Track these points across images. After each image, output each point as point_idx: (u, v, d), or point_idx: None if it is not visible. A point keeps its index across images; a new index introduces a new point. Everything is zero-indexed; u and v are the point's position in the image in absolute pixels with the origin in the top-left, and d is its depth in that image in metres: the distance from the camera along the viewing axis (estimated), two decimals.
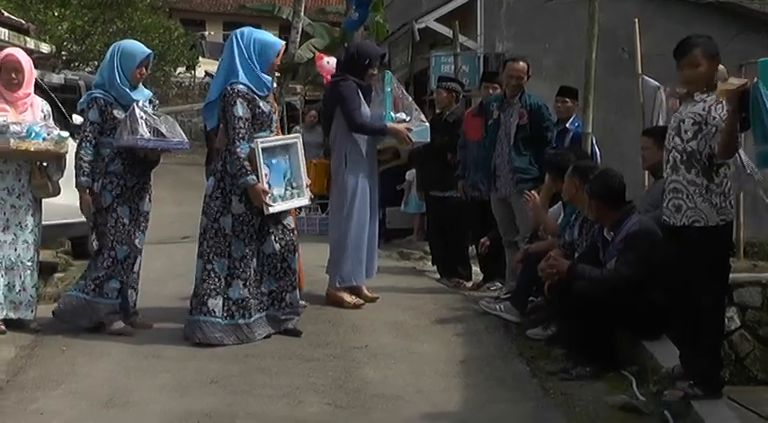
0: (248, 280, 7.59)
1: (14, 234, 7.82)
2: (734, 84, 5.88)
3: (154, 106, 8.01)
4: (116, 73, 7.86)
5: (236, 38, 7.78)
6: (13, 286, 7.83)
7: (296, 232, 8.01)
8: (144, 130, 7.64)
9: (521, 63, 9.78)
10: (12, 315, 7.84)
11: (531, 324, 8.42)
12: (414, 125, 9.11)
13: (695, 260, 6.17)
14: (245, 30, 7.91)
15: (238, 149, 7.51)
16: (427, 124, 9.33)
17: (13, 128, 7.65)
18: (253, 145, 7.55)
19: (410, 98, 9.52)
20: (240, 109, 7.54)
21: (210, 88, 8.24)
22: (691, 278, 6.17)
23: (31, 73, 8.04)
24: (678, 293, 6.31)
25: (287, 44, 13.63)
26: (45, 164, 7.96)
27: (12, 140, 7.61)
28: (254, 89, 7.66)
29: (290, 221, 7.94)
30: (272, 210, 7.62)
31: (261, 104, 7.69)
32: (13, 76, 7.88)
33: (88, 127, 7.82)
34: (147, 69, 8.06)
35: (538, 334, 8.19)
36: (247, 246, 7.62)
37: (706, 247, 6.16)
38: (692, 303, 6.19)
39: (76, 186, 7.84)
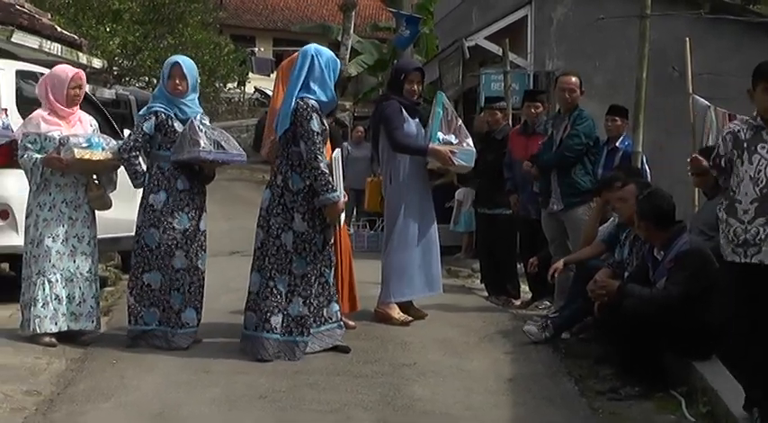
0: (309, 298, 7.59)
1: (73, 246, 7.89)
2: None
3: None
4: (163, 84, 8.00)
5: (315, 55, 7.68)
6: (74, 298, 7.88)
7: (334, 249, 8.02)
8: (205, 143, 7.70)
9: (573, 77, 9.77)
10: (73, 326, 7.89)
11: (579, 343, 8.40)
12: (459, 148, 9.10)
13: None
14: (320, 48, 7.85)
15: (321, 164, 7.45)
16: (473, 149, 9.28)
17: (72, 140, 7.73)
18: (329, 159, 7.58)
19: (460, 121, 9.48)
20: (316, 123, 7.50)
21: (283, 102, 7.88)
22: None
23: None
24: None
25: None
26: (97, 177, 8.06)
27: (76, 150, 7.69)
28: (322, 106, 7.64)
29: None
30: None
31: (324, 121, 7.68)
32: (77, 91, 8.01)
33: (140, 136, 7.86)
34: (183, 82, 7.94)
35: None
36: (309, 264, 7.59)
37: None
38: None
39: (137, 187, 7.96)
